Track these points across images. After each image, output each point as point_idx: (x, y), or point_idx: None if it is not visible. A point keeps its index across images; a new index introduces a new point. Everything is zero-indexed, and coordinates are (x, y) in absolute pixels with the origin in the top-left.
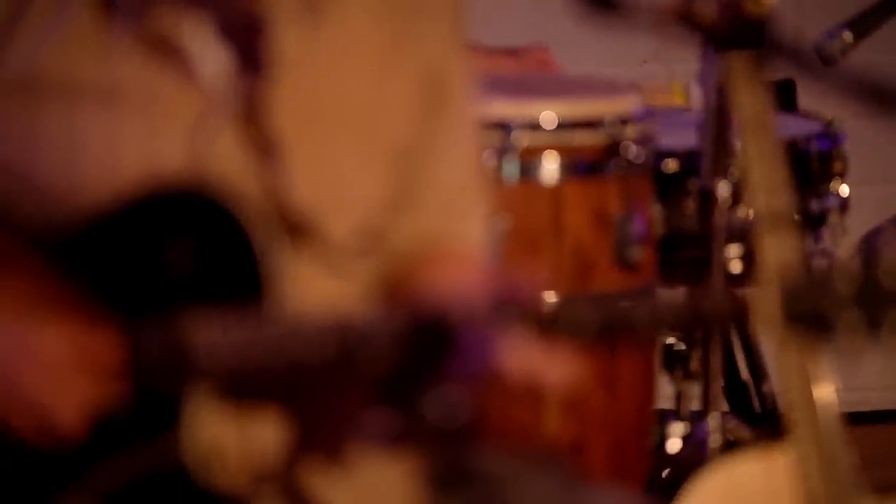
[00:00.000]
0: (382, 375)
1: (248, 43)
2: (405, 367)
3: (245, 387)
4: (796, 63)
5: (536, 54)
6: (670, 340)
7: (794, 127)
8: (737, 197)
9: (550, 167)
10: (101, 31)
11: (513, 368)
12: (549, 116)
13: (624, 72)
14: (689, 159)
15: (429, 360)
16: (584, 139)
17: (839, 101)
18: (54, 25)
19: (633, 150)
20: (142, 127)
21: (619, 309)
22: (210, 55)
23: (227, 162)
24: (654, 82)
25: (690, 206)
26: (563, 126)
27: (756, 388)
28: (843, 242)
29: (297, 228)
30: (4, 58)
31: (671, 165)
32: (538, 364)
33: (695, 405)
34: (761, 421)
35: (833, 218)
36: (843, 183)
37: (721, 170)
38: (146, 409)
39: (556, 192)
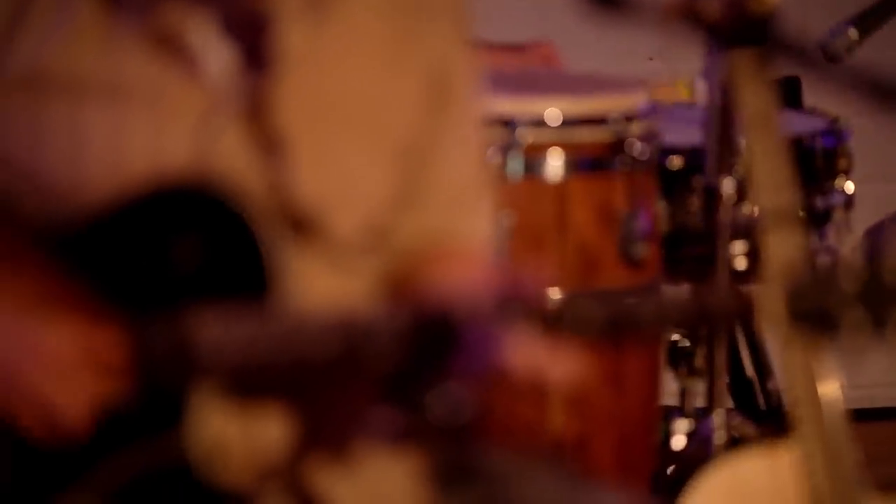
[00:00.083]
0: (387, 372)
1: (253, 40)
2: (410, 364)
3: (249, 383)
4: (801, 60)
5: (541, 50)
6: (675, 337)
7: (798, 124)
8: (741, 194)
9: (555, 164)
10: (105, 27)
11: (518, 365)
12: (553, 113)
13: (628, 69)
14: (693, 156)
15: (433, 357)
16: (589, 136)
17: (844, 98)
18: (59, 22)
19: (637, 147)
20: (146, 124)
21: (624, 306)
22: (214, 52)
23: (232, 159)
24: (659, 79)
25: (695, 202)
26: (567, 123)
27: (761, 384)
28: (847, 239)
29: (301, 225)
30: (9, 54)
31: (676, 162)
32: (543, 361)
33: (700, 402)
34: (766, 418)
35: (838, 215)
36: (847, 180)
37: (726, 167)
38: (151, 405)
39: (560, 189)
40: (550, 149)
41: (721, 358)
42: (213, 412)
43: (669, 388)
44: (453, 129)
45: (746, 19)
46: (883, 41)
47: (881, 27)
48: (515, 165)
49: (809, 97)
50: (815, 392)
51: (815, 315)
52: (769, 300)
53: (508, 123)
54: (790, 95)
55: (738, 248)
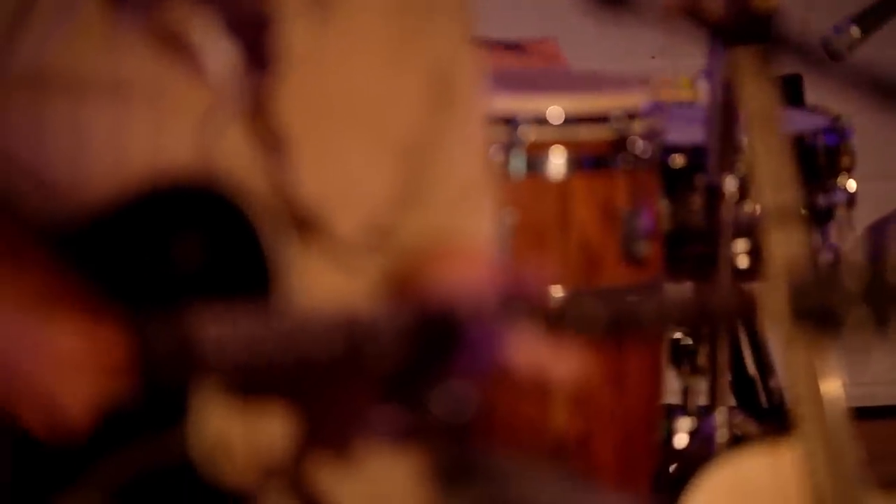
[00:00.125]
0: (390, 371)
1: (255, 39)
2: (412, 363)
3: (252, 382)
4: (803, 58)
5: (544, 48)
6: (677, 335)
7: (801, 122)
8: (744, 192)
9: (557, 162)
10: (108, 25)
11: (520, 364)
12: (555, 111)
13: (631, 66)
14: (696, 154)
15: (436, 356)
16: (591, 134)
17: (846, 96)
18: (61, 20)
19: (640, 145)
20: (149, 122)
21: (626, 305)
22: (217, 50)
23: (234, 157)
24: (662, 76)
25: (697, 201)
26: (569, 121)
27: (763, 383)
28: (849, 237)
29: (304, 224)
30: (11, 52)
31: (678, 160)
32: (545, 359)
33: (702, 400)
34: (768, 416)
35: (840, 213)
36: (849, 178)
37: (728, 165)
38: (153, 403)
39: (562, 187)
40: (553, 147)
41: (723, 356)
42: (215, 410)
43: (672, 387)
44: (456, 127)
45: (749, 17)
46: (885, 39)
47: (883, 25)
48: (518, 163)
49: (811, 95)
50: (817, 390)
51: (818, 313)
52: (772, 298)
53: (511, 121)
54: (792, 93)
55: (741, 246)
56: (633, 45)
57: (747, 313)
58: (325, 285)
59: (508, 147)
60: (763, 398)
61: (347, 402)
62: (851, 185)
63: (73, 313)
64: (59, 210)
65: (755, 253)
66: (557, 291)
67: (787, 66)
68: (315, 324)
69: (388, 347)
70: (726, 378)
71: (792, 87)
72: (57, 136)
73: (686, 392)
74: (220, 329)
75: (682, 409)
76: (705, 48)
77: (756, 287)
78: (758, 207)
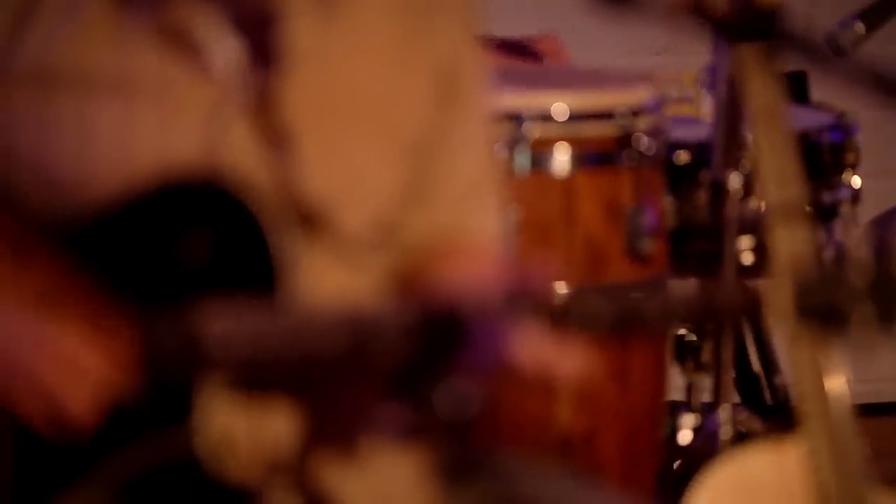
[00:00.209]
0: (394, 368)
1: (260, 36)
2: (417, 360)
3: (257, 378)
4: (808, 54)
5: (547, 45)
6: (682, 332)
7: (805, 118)
8: (748, 189)
9: (562, 158)
10: (113, 22)
11: (525, 361)
12: (560, 108)
13: (635, 63)
14: (700, 151)
15: (441, 353)
16: (596, 131)
17: (851, 92)
18: (67, 17)
19: (644, 142)
20: (154, 119)
21: (631, 302)
22: (222, 47)
23: (240, 154)
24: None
25: (702, 197)
26: (574, 117)
27: (767, 379)
28: (853, 232)
29: (309, 220)
30: (17, 49)
31: (683, 157)
32: (550, 356)
33: (706, 397)
34: (772, 412)
35: (845, 209)
36: (854, 174)
37: (733, 161)
38: (159, 400)
39: (567, 184)
40: (557, 143)
41: (727, 353)
42: (220, 407)
43: (676, 383)
44: (462, 125)
45: (753, 13)
46: (890, 35)
47: (888, 21)
48: (522, 160)
49: (816, 92)
50: (822, 387)
51: (823, 311)
52: (777, 295)
53: (515, 118)
54: (797, 90)
55: (745, 242)
56: (638, 42)
57: (752, 310)
58: (330, 282)
59: (513, 144)
60: (767, 395)
61: (352, 398)
62: (856, 181)
63: (77, 310)
64: (65, 207)
65: (760, 249)
66: (562, 288)
67: (792, 63)
68: (320, 320)
69: (392, 344)
70: (730, 375)
71: (797, 84)
72: (62, 134)
73: (690, 389)
74: (226, 325)
75: (686, 406)
76: (710, 45)
77: (761, 284)
78: (762, 204)
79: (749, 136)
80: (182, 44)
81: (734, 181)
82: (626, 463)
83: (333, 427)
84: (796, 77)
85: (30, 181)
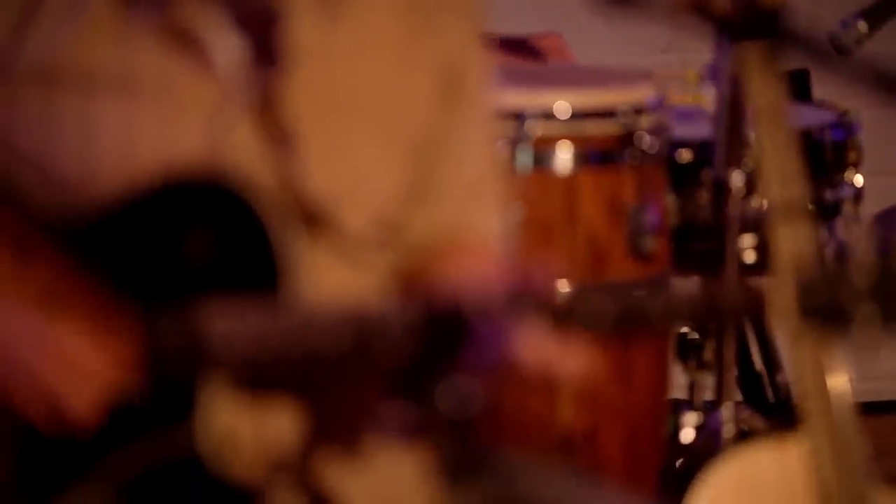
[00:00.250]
0: (398, 366)
1: (264, 34)
2: (420, 359)
3: (260, 377)
4: (811, 53)
5: (550, 43)
6: (684, 330)
7: (808, 117)
8: (751, 187)
9: (564, 157)
10: (118, 20)
11: (528, 359)
12: (562, 106)
13: (637, 61)
14: (703, 149)
15: (444, 352)
16: (598, 129)
17: (853, 91)
18: (71, 14)
19: (647, 140)
20: (157, 116)
21: (634, 301)
22: (226, 46)
23: (243, 152)
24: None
25: (704, 196)
26: (576, 116)
27: (770, 378)
28: (855, 230)
29: (312, 218)
30: (21, 46)
31: (685, 155)
32: (553, 355)
33: (708, 395)
34: (775, 411)
35: (847, 208)
36: (857, 173)
37: (735, 160)
38: (161, 398)
39: (569, 182)
40: (559, 142)
41: (730, 351)
42: (223, 405)
43: (678, 382)
44: (465, 124)
45: (756, 12)
46: (892, 34)
47: (890, 20)
48: (524, 158)
49: (819, 90)
50: (824, 385)
51: (826, 310)
52: (779, 294)
53: (518, 116)
54: (800, 88)
55: (748, 241)
56: (640, 41)
57: (755, 309)
58: (333, 281)
59: (515, 142)
60: (770, 393)
61: (355, 397)
62: (858, 180)
63: (80, 308)
64: (68, 205)
65: (762, 248)
66: (564, 286)
67: (795, 61)
68: (323, 319)
69: (396, 343)
70: (733, 373)
71: (799, 82)
72: (66, 131)
73: (692, 387)
74: (229, 324)
75: (689, 404)
76: (712, 43)
77: (764, 282)
78: (765, 202)
79: (751, 135)
80: (185, 42)
81: (736, 179)
82: (629, 461)
83: (336, 426)
84: (798, 75)
85: (33, 179)
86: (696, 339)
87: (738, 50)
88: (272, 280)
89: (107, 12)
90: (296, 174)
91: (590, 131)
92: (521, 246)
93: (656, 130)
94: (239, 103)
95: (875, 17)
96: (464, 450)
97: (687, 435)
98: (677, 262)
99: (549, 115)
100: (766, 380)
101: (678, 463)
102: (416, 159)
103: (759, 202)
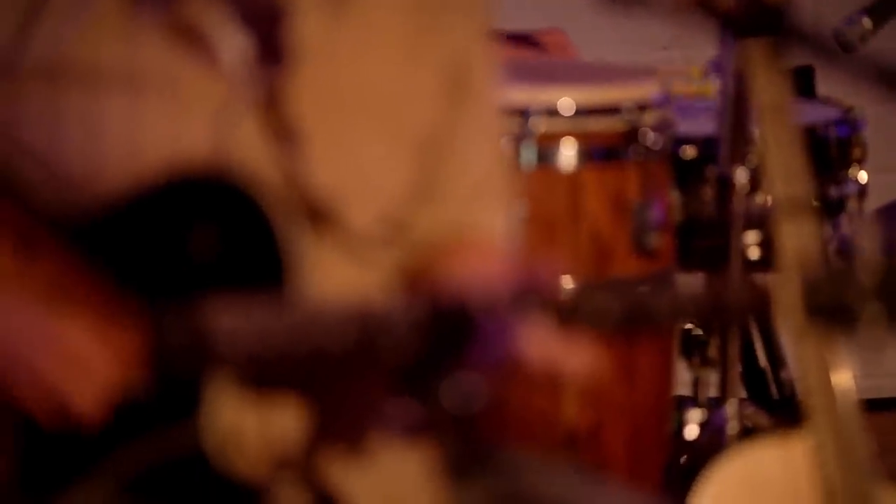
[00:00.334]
0: (402, 364)
1: (268, 31)
2: (425, 356)
3: (265, 374)
4: (815, 49)
5: (553, 39)
6: (688, 327)
7: (812, 113)
8: (755, 184)
9: (568, 153)
10: (124, 16)
11: (532, 357)
12: (566, 103)
13: (641, 58)
14: (707, 146)
15: (449, 349)
16: (602, 125)
17: (858, 87)
18: (77, 10)
19: (651, 137)
20: (163, 113)
21: (639, 299)
22: (231, 43)
23: (249, 148)
24: (673, 68)
25: (708, 192)
26: (580, 112)
27: (774, 374)
28: (859, 227)
29: (318, 216)
30: (28, 43)
31: (689, 152)
32: (558, 352)
33: (713, 392)
34: (779, 408)
35: (851, 204)
36: (861, 169)
37: (739, 156)
38: (166, 395)
39: (573, 179)
40: (564, 138)
41: (734, 348)
42: (228, 402)
43: (682, 378)
44: (472, 122)
45: (760, 8)
46: None
47: (895, 17)
48: (528, 155)
49: (823, 86)
50: (828, 382)
51: (832, 309)
52: (784, 292)
53: (522, 113)
54: (804, 85)
55: (752, 237)
56: (644, 37)
57: (760, 307)
58: (338, 278)
59: (519, 138)
60: (774, 390)
61: (360, 394)
62: (863, 176)
63: (86, 305)
64: (73, 201)
65: (766, 244)
66: (568, 283)
67: (799, 58)
68: (328, 316)
69: (400, 340)
70: (737, 370)
71: (803, 79)
72: (72, 128)
73: (697, 383)
74: (234, 321)
75: (693, 401)
76: (716, 40)
77: (769, 280)
78: (769, 199)
79: (756, 132)
80: (191, 39)
81: (741, 176)
82: (633, 458)
83: (341, 423)
84: (803, 72)
85: (38, 175)
86: (700, 335)
87: (743, 47)
88: (277, 277)
89: (113, 9)
90: (301, 171)
91: (594, 128)
92: (525, 243)
93: (660, 127)
94: (244, 100)
95: (880, 14)
96: (468, 447)
97: (691, 432)
98: (681, 258)
99: (552, 112)
100: (770, 376)
101: (682, 460)
102: (421, 157)
103: (763, 199)
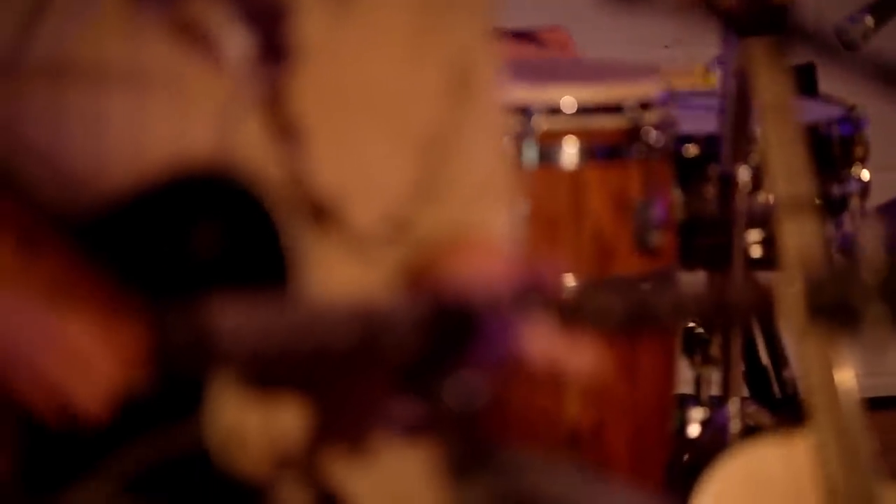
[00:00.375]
0: (405, 362)
1: (272, 29)
2: (428, 354)
3: (268, 372)
4: (817, 47)
5: (555, 37)
6: (691, 325)
7: (815, 111)
8: (757, 182)
9: (570, 152)
10: (127, 14)
11: (535, 355)
12: (568, 101)
13: (644, 56)
14: (709, 144)
15: (451, 347)
16: (605, 123)
17: (860, 85)
18: (81, 9)
19: (653, 135)
20: (167, 111)
21: (643, 298)
22: (234, 41)
23: (252, 147)
24: (675, 66)
25: (711, 191)
26: (582, 110)
27: (776, 373)
28: (861, 226)
29: (321, 214)
30: (31, 40)
31: (692, 150)
32: (560, 351)
33: (715, 390)
34: (781, 406)
35: (854, 203)
36: (863, 168)
37: (741, 155)
38: (169, 393)
39: (575, 177)
40: (566, 137)
41: (736, 346)
42: (230, 401)
43: (684, 377)
44: (475, 121)
45: (763, 7)
46: None
47: None
48: (530, 153)
49: (825, 85)
50: (831, 381)
51: (835, 309)
52: (787, 290)
53: (523, 111)
54: (806, 83)
55: (754, 236)
56: (647, 35)
57: (763, 306)
58: (341, 276)
59: (521, 137)
60: (776, 388)
61: (362, 393)
62: (865, 175)
63: (89, 303)
64: (76, 199)
65: (769, 243)
66: (570, 281)
67: (801, 56)
68: (331, 314)
69: (403, 339)
70: (739, 368)
71: (806, 77)
72: (75, 126)
73: (699, 382)
74: (237, 319)
75: (695, 400)
76: (719, 38)
77: (771, 278)
78: (771, 197)
79: (758, 130)
80: (194, 37)
81: (743, 174)
82: (635, 457)
83: (343, 421)
84: (805, 70)
85: (42, 173)
86: (702, 334)
87: (745, 45)
88: (280, 275)
89: (116, 7)
90: (304, 170)
91: (596, 126)
92: (527, 241)
93: (663, 125)
94: (247, 98)
95: (882, 12)
96: (470, 445)
97: (693, 430)
98: (683, 257)
99: (554, 110)
100: (772, 375)
101: (684, 458)
102: (424, 156)
103: (765, 197)
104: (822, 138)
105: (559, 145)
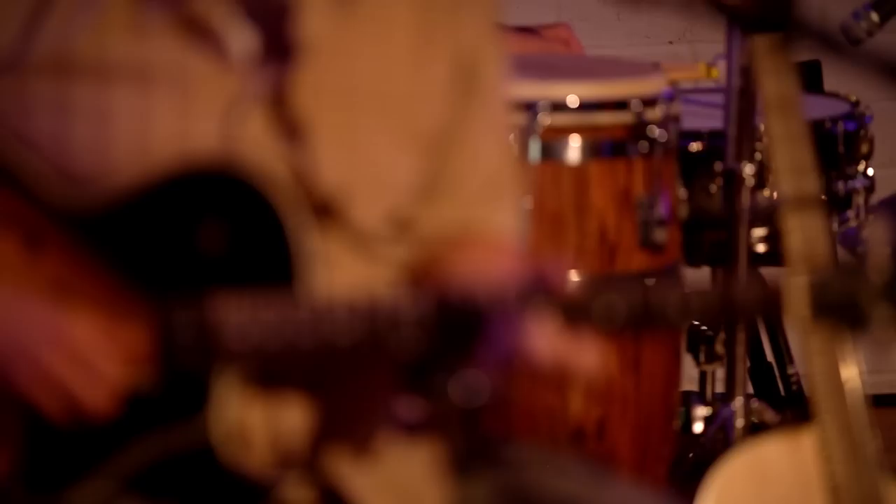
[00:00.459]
0: (410, 359)
1: (277, 26)
2: (433, 352)
3: (273, 369)
4: (822, 44)
5: (559, 33)
6: (695, 322)
7: (819, 108)
8: (762, 178)
9: (575, 148)
10: (133, 11)
11: (539, 353)
12: (573, 97)
13: (648, 52)
14: (714, 140)
15: (457, 345)
16: (609, 120)
17: (865, 82)
18: (87, 5)
19: (657, 132)
20: (172, 107)
21: (647, 297)
22: (240, 38)
23: (257, 144)
24: (680, 62)
25: (715, 187)
26: (587, 107)
27: (781, 370)
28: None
29: (325, 211)
30: (36, 38)
31: (696, 147)
32: (565, 348)
33: (719, 387)
34: (786, 403)
35: (858, 199)
36: (868, 164)
37: (746, 151)
38: (174, 390)
39: (579, 173)
40: (570, 133)
41: (741, 344)
42: (235, 398)
43: (689, 374)
44: (481, 118)
45: (767, 3)
46: None
47: None
48: (535, 149)
49: (830, 81)
50: (836, 378)
51: (840, 305)
52: (792, 288)
53: (528, 107)
54: (811, 79)
55: (759, 232)
56: (651, 32)
57: (768, 303)
58: (346, 273)
59: (526, 133)
60: (781, 386)
61: (367, 390)
62: (870, 171)
63: (93, 300)
64: (82, 195)
65: (773, 239)
66: (574, 277)
67: (806, 52)
68: (336, 312)
69: (408, 336)
70: (744, 365)
71: (811, 73)
72: (80, 122)
73: (703, 379)
74: (242, 316)
75: (700, 397)
76: (724, 34)
77: (776, 275)
78: (776, 194)
79: (763, 126)
80: (199, 34)
81: (748, 171)
82: (640, 454)
83: (348, 418)
84: (810, 66)
85: (47, 169)
86: (707, 331)
87: (750, 41)
88: (285, 273)
89: (121, 4)
90: (308, 167)
91: (600, 122)
92: (532, 237)
93: (667, 121)
94: (252, 96)
95: (887, 8)
96: (474, 442)
97: (698, 427)
98: (688, 253)
99: (559, 107)
100: (777, 372)
101: (689, 455)
102: (430, 153)
103: (770, 193)
104: (826, 135)
105: (564, 141)
